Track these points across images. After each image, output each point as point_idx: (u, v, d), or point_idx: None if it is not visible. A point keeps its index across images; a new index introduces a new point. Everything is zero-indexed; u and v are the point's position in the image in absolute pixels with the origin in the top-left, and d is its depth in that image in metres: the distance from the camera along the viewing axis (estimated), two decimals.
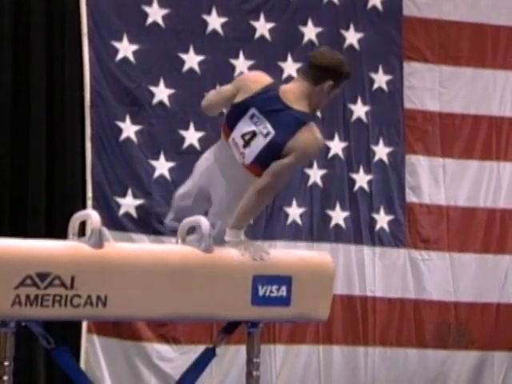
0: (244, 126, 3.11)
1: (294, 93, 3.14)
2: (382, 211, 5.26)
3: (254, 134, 3.11)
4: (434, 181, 5.40)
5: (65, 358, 2.90)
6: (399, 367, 5.20)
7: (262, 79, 3.18)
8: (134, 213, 4.79)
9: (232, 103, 3.15)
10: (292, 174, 3.21)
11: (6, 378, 2.67)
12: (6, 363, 2.68)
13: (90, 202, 4.66)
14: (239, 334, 3.34)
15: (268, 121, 3.10)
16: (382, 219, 5.25)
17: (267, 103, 3.11)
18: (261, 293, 3.10)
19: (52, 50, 4.69)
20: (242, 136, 3.12)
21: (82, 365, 4.50)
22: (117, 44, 4.80)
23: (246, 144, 3.13)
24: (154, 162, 4.86)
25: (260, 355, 3.22)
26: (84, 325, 4.59)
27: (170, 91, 4.90)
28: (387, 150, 5.34)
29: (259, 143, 3.10)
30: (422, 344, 5.25)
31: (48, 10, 4.69)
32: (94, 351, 4.62)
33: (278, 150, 3.06)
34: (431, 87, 5.41)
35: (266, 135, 3.09)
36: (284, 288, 3.11)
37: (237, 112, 3.13)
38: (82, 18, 4.70)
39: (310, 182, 5.16)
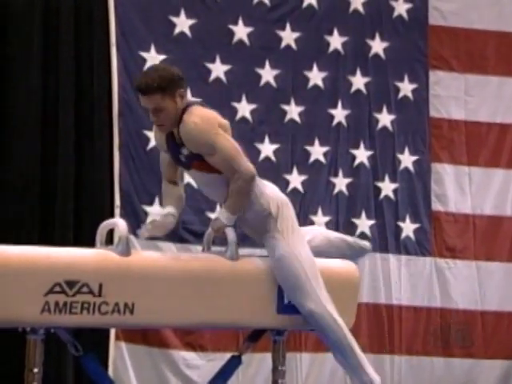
0: None
1: None
2: (407, 219, 5.24)
3: None
4: (460, 189, 5.37)
5: (93, 365, 2.91)
6: (425, 376, 5.16)
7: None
8: None
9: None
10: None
11: None
12: (36, 370, 2.71)
13: (117, 211, 4.69)
14: (265, 342, 3.34)
15: None
16: (408, 227, 5.23)
17: None
18: (286, 301, 3.10)
19: (81, 60, 4.73)
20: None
21: (110, 372, 4.52)
22: (144, 54, 4.84)
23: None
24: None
25: (286, 363, 3.22)
26: (112, 332, 4.61)
27: (197, 100, 4.91)
28: (413, 158, 5.32)
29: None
30: (449, 352, 5.21)
31: (76, 20, 4.73)
32: (122, 358, 4.64)
33: None
34: (457, 96, 5.39)
35: None
36: None
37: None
38: (111, 29, 4.74)
39: (336, 190, 5.15)
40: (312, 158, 5.13)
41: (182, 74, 3.14)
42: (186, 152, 3.06)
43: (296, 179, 5.08)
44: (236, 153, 3.04)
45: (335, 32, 5.21)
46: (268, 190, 3.15)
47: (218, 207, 4.85)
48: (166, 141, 3.15)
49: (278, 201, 3.13)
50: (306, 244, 3.13)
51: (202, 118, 3.02)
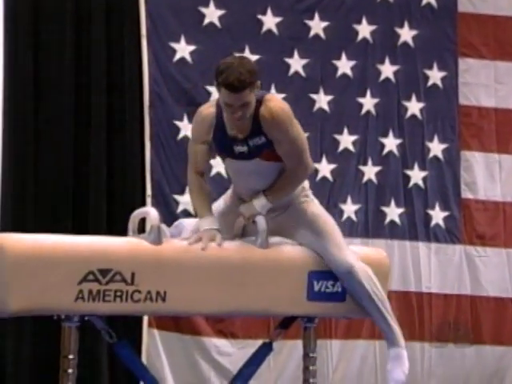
0: None
1: None
2: (437, 207, 5.22)
3: None
4: (490, 177, 5.33)
5: (126, 352, 2.94)
6: (456, 363, 5.14)
7: None
8: (191, 210, 4.83)
9: None
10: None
11: (70, 371, 2.72)
12: (71, 357, 2.73)
13: (149, 200, 4.72)
14: (296, 329, 3.34)
15: None
16: (438, 215, 5.20)
17: None
18: (316, 288, 3.10)
19: (112, 51, 4.76)
20: None
21: (144, 359, 4.56)
22: (174, 45, 4.85)
23: None
24: (211, 161, 4.88)
25: (316, 350, 3.22)
26: (145, 320, 4.65)
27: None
28: (442, 146, 5.28)
29: None
30: (479, 340, 5.18)
31: (107, 13, 4.75)
32: (155, 345, 4.68)
33: None
34: (486, 83, 5.34)
35: None
36: (339, 284, 3.11)
37: None
38: (141, 20, 4.76)
39: (365, 178, 5.14)
40: (341, 147, 5.11)
41: None
42: (261, 140, 3.03)
43: (325, 168, 5.07)
44: (306, 146, 3.08)
45: (364, 21, 5.18)
46: None
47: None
48: (215, 133, 3.14)
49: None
50: None
51: (282, 104, 3.05)
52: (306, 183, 3.19)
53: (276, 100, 3.07)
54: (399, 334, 3.18)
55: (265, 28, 5.03)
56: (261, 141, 3.04)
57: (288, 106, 3.06)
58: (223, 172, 4.91)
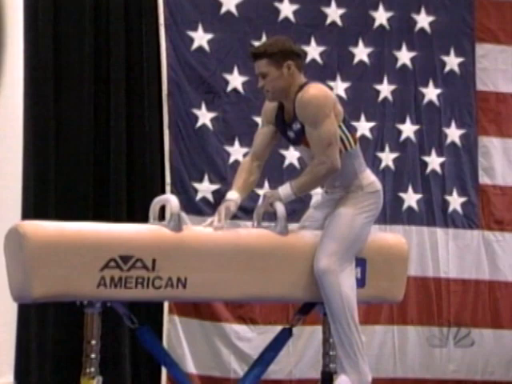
0: None
1: None
2: (454, 193, 5.19)
3: None
4: (508, 162, 5.29)
5: (148, 337, 2.95)
6: (475, 348, 5.13)
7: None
8: (210, 197, 4.84)
9: (342, 119, 3.14)
10: None
11: (93, 355, 2.74)
12: (94, 342, 2.75)
13: (168, 188, 4.73)
14: (315, 315, 3.34)
15: None
16: (455, 201, 5.18)
17: None
18: None
19: (130, 40, 4.75)
20: None
21: (165, 344, 4.58)
22: (192, 33, 4.84)
23: None
24: (229, 148, 4.90)
25: None
26: (166, 306, 4.67)
27: (244, 78, 4.92)
28: (459, 132, 5.25)
29: None
30: (498, 324, 5.16)
31: (126, 2, 4.75)
32: (176, 331, 4.70)
33: None
34: (504, 68, 5.29)
35: None
36: (358, 270, 3.11)
37: (347, 117, 3.16)
38: (159, 9, 4.75)
39: (382, 165, 5.12)
40: (358, 134, 5.08)
41: (300, 50, 3.21)
42: (298, 126, 3.07)
43: None
44: (334, 141, 3.05)
45: (380, 7, 5.15)
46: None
47: (266, 183, 4.87)
48: (276, 116, 3.18)
49: (376, 187, 3.17)
50: (365, 227, 3.12)
51: (321, 92, 3.07)
52: (370, 191, 3.13)
53: (316, 87, 3.07)
54: (352, 364, 3.03)
55: (282, 16, 5.01)
56: (297, 126, 3.06)
57: (326, 96, 3.06)
58: (241, 160, 4.91)
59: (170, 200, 2.98)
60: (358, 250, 3.09)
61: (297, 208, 4.74)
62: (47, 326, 4.43)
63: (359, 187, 3.13)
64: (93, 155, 4.65)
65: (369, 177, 3.18)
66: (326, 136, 3.02)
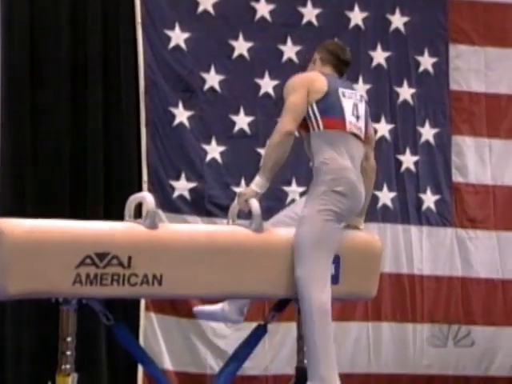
0: (347, 105, 3.18)
1: None
2: (428, 191, 5.22)
3: (355, 106, 3.19)
4: (481, 161, 5.33)
5: (124, 334, 2.95)
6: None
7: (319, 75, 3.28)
8: (187, 195, 4.84)
9: (317, 100, 3.16)
10: None
11: (69, 352, 2.73)
12: (69, 339, 2.74)
13: (145, 186, 4.72)
14: (291, 312, 3.35)
15: (352, 90, 3.26)
16: (429, 199, 5.21)
17: (339, 81, 3.28)
18: None
19: (108, 39, 4.74)
20: (352, 113, 3.19)
21: (141, 341, 4.57)
22: (169, 32, 4.83)
23: (358, 118, 3.20)
24: (205, 146, 4.90)
25: None
26: (142, 303, 4.66)
27: (221, 77, 4.92)
28: (433, 131, 5.28)
29: (362, 110, 3.24)
30: (470, 320, 5.21)
31: (103, 0, 4.73)
32: (152, 328, 4.69)
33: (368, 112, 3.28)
34: (477, 68, 5.33)
35: (361, 99, 3.26)
36: (332, 267, 3.11)
37: (331, 101, 3.16)
38: (136, 8, 4.74)
39: None
40: None
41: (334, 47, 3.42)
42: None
43: None
44: (289, 108, 3.12)
45: (356, 7, 5.16)
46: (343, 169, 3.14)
47: (242, 181, 4.88)
48: None
49: (341, 181, 3.11)
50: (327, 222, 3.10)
51: (301, 74, 3.25)
52: (333, 177, 3.11)
53: (300, 73, 3.27)
54: (318, 367, 3.01)
55: (258, 15, 5.01)
56: None
57: (303, 76, 3.22)
58: (218, 158, 4.91)
59: (146, 198, 2.98)
60: (330, 247, 3.07)
61: (272, 205, 4.75)
62: (23, 323, 4.41)
63: (319, 169, 3.11)
64: (70, 153, 4.63)
65: (335, 161, 3.12)
66: (286, 105, 3.10)
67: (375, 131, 5.12)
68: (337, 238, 3.09)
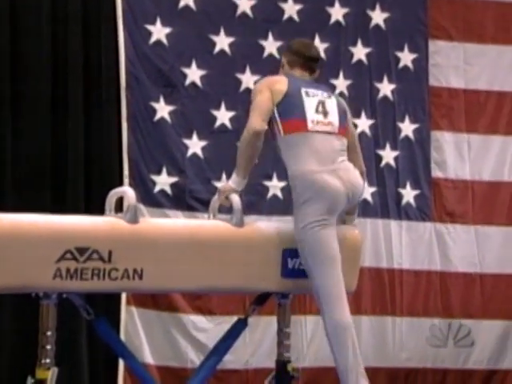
0: (310, 104, 3.15)
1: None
2: (408, 186, 5.24)
3: (321, 103, 3.16)
4: (459, 156, 5.35)
5: (105, 328, 2.93)
6: (426, 336, 5.19)
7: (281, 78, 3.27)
8: (168, 190, 4.82)
9: (277, 102, 3.15)
10: None
11: (49, 347, 2.72)
12: (49, 333, 2.73)
13: (126, 180, 4.69)
14: (271, 306, 3.35)
15: (318, 88, 3.23)
16: (409, 194, 5.22)
17: (303, 81, 3.23)
18: (290, 265, 3.11)
19: (88, 33, 4.70)
20: (316, 111, 3.14)
21: (122, 335, 4.55)
22: (150, 27, 4.81)
23: (325, 114, 3.15)
24: (187, 141, 4.88)
25: (290, 326, 3.22)
26: (123, 297, 4.64)
27: (202, 72, 4.91)
28: (413, 126, 5.30)
29: (333, 105, 3.20)
30: (448, 314, 5.23)
31: None
32: (133, 322, 4.67)
33: (345, 109, 3.25)
34: (456, 64, 5.35)
35: (329, 96, 3.22)
36: None
37: (291, 102, 3.13)
38: (117, 2, 4.71)
39: None
40: None
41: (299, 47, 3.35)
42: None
43: None
44: (256, 107, 3.12)
45: (336, 3, 5.16)
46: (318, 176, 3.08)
47: (223, 176, 4.87)
48: None
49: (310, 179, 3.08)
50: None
51: (265, 79, 3.27)
52: (304, 185, 3.07)
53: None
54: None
55: (239, 11, 5.00)
56: None
57: (268, 78, 3.23)
58: (200, 153, 4.90)
59: (127, 192, 2.96)
60: (328, 254, 3.04)
61: (253, 200, 4.76)
62: (3, 318, 4.37)
63: (290, 183, 3.13)
64: (50, 147, 4.59)
65: (298, 170, 3.08)
66: (252, 105, 3.12)
67: (355, 126, 5.19)
68: (331, 242, 3.06)
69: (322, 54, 5.15)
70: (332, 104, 3.21)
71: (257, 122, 3.07)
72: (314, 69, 3.33)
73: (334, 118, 3.19)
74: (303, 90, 3.17)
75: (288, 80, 3.19)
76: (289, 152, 3.10)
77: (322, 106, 3.16)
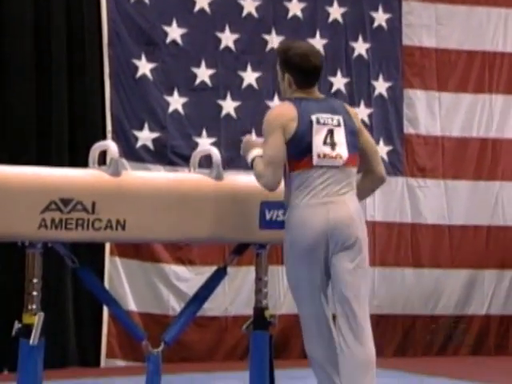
0: (319, 136, 2.89)
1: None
2: (381, 142, 5.25)
3: (330, 133, 2.91)
4: (431, 113, 5.37)
5: (89, 277, 2.93)
6: (397, 285, 5.25)
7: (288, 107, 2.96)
8: (150, 145, 4.80)
9: (288, 139, 2.89)
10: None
11: (35, 293, 2.71)
12: (35, 280, 2.72)
13: (109, 135, 4.67)
14: (250, 256, 3.36)
15: (328, 109, 2.92)
16: (382, 150, 5.24)
17: (313, 102, 2.94)
18: (268, 217, 3.11)
19: None
20: (324, 143, 2.90)
21: (106, 284, 4.57)
22: None
23: (333, 146, 2.90)
24: (168, 98, 4.85)
25: (268, 274, 3.25)
26: (107, 248, 4.65)
27: (183, 31, 4.86)
28: (386, 84, 5.29)
29: (341, 135, 2.92)
30: (418, 263, 5.30)
31: None
32: (117, 272, 4.69)
33: (354, 126, 2.95)
34: (428, 24, 5.34)
35: (339, 123, 2.92)
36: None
37: (301, 141, 2.90)
38: None
39: None
40: None
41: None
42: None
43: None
44: (272, 162, 2.87)
45: None
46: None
47: (204, 132, 4.86)
48: None
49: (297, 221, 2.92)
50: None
51: (275, 109, 3.02)
52: (291, 227, 2.92)
53: (278, 105, 3.14)
54: None
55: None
56: None
57: (277, 113, 2.93)
58: (180, 109, 4.86)
59: (110, 146, 2.94)
60: (308, 287, 2.94)
61: (233, 155, 4.76)
62: None
63: (286, 213, 2.98)
64: (35, 103, 4.56)
65: (294, 201, 2.93)
66: (266, 155, 2.90)
67: (330, 85, 5.18)
68: (316, 277, 2.93)
69: (300, 14, 5.12)
70: (341, 132, 2.93)
71: (274, 182, 2.88)
72: (318, 76, 2.99)
73: (342, 149, 2.92)
74: (314, 117, 2.89)
75: (297, 110, 2.90)
76: (290, 186, 2.96)
77: (330, 136, 2.90)
